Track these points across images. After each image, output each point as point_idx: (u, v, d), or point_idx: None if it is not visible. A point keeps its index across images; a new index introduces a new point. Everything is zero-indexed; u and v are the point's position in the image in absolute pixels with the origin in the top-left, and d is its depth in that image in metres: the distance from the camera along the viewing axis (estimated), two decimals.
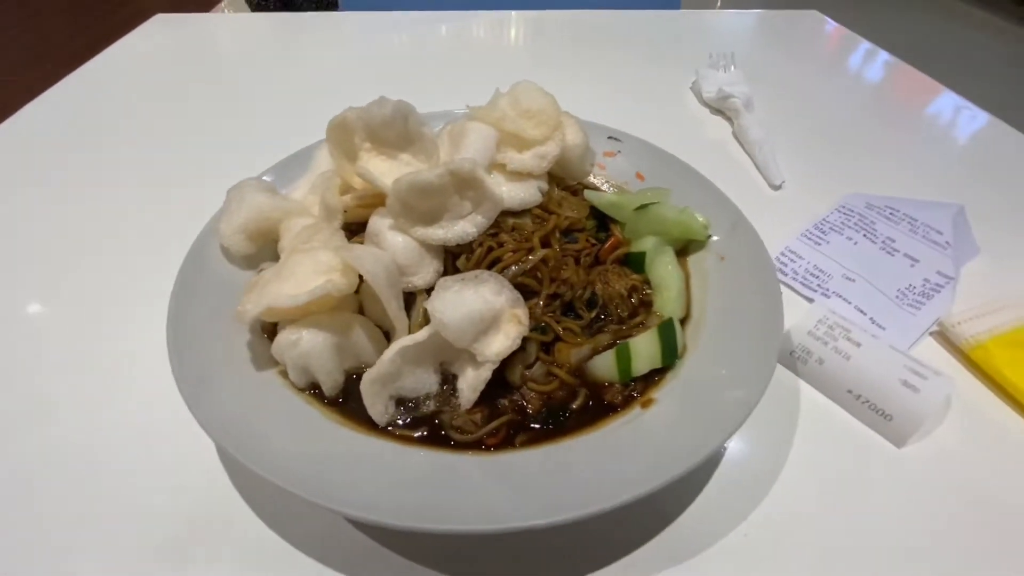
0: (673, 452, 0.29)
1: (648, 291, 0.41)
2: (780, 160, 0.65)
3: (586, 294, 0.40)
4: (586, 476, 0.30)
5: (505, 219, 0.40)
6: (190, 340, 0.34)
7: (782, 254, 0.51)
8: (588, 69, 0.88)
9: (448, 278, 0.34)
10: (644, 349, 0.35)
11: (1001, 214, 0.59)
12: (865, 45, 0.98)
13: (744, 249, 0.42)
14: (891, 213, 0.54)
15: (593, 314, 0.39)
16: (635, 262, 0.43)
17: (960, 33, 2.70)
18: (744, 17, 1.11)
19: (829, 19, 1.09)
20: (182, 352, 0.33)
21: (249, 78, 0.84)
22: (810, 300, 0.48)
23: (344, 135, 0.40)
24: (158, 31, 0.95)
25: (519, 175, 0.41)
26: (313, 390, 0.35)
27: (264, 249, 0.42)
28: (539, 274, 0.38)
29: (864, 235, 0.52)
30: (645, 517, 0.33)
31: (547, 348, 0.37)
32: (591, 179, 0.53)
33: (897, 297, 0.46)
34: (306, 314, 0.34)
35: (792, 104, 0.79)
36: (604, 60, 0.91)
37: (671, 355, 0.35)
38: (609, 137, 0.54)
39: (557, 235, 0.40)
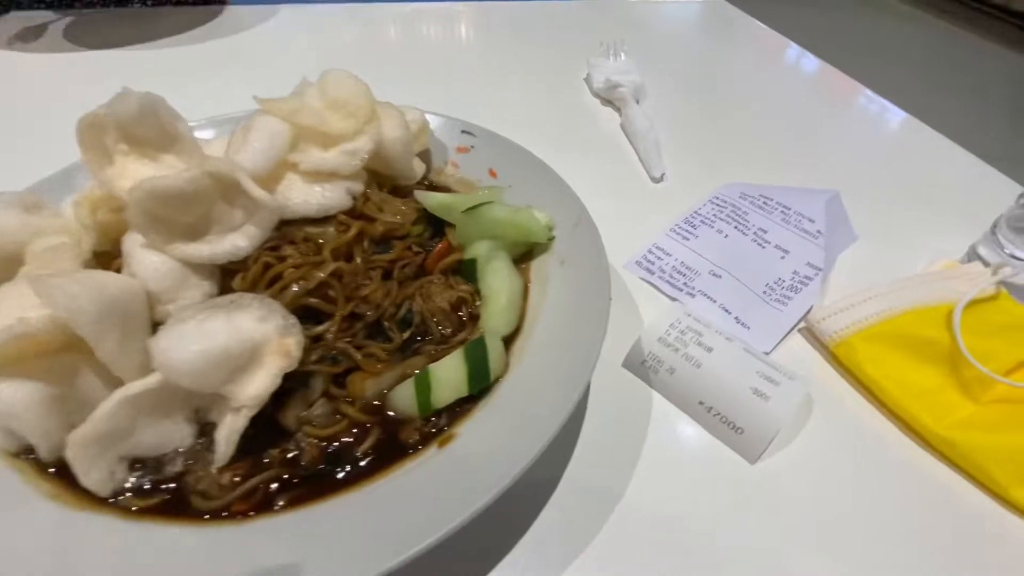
0: (457, 498, 0.24)
1: (478, 304, 0.36)
2: (666, 152, 0.62)
3: (401, 312, 0.34)
4: (357, 538, 0.24)
5: (300, 228, 0.34)
6: None
7: (649, 251, 0.47)
8: (479, 61, 0.83)
9: (188, 306, 0.28)
10: (447, 376, 0.30)
11: (881, 198, 0.57)
12: (761, 29, 0.98)
13: (583, 250, 0.37)
14: (765, 203, 0.51)
15: (407, 334, 0.33)
16: (468, 271, 0.37)
17: (860, 17, 2.86)
18: (643, 4, 1.09)
19: (729, 3, 1.09)
20: None
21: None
22: (675, 300, 0.44)
23: (96, 135, 0.33)
24: None
25: (321, 176, 0.36)
26: (29, 453, 0.28)
27: (8, 275, 0.35)
28: (332, 292, 0.32)
29: (736, 227, 0.49)
30: (458, 558, 0.28)
31: (340, 380, 0.31)
32: (441, 179, 0.47)
33: (764, 293, 0.43)
34: (19, 356, 0.27)
35: (684, 93, 0.76)
36: (497, 51, 0.86)
37: (481, 379, 0.30)
38: (463, 131, 0.49)
39: (365, 244, 0.35)
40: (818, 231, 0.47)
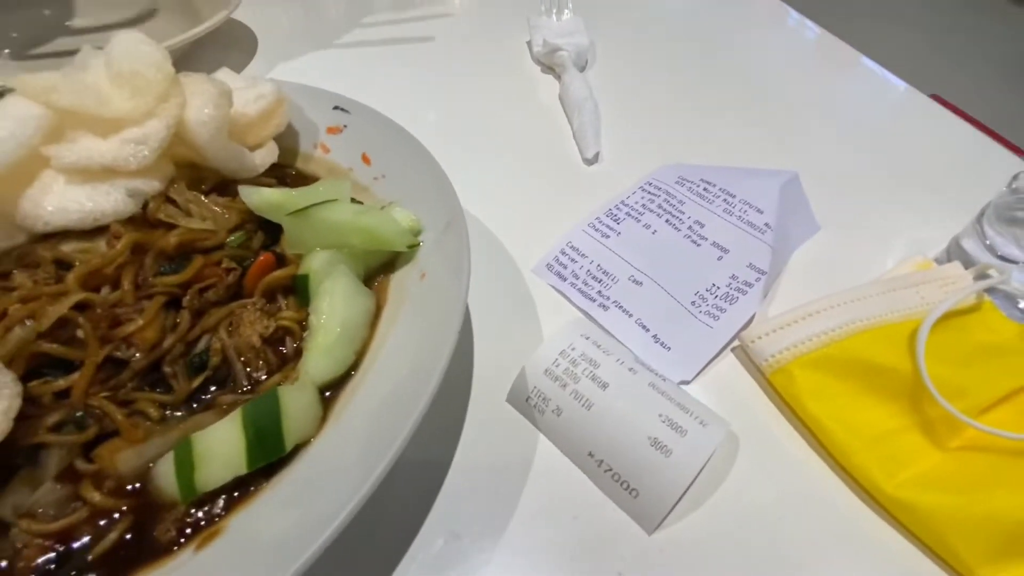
0: None
1: (307, 335, 0.28)
2: (608, 128, 0.53)
3: (198, 349, 0.26)
4: None
5: (55, 245, 0.26)
6: None
7: (563, 252, 0.39)
8: (404, 23, 0.72)
9: None
10: (219, 447, 0.22)
11: (856, 177, 0.48)
12: None
13: (447, 261, 0.29)
14: (705, 189, 0.42)
15: (198, 382, 0.26)
16: (301, 290, 0.29)
17: None
18: None
19: None
20: None
21: None
22: (588, 314, 0.36)
23: None
24: None
25: (93, 174, 0.27)
26: None
27: None
28: (80, 333, 0.24)
29: (667, 220, 0.40)
30: None
31: (89, 449, 0.24)
32: (310, 166, 0.39)
33: (693, 304, 0.35)
34: None
35: (638, 57, 0.66)
36: (426, 8, 0.75)
37: (268, 451, 0.23)
38: (335, 107, 0.40)
39: (147, 262, 0.27)
40: (766, 224, 0.39)
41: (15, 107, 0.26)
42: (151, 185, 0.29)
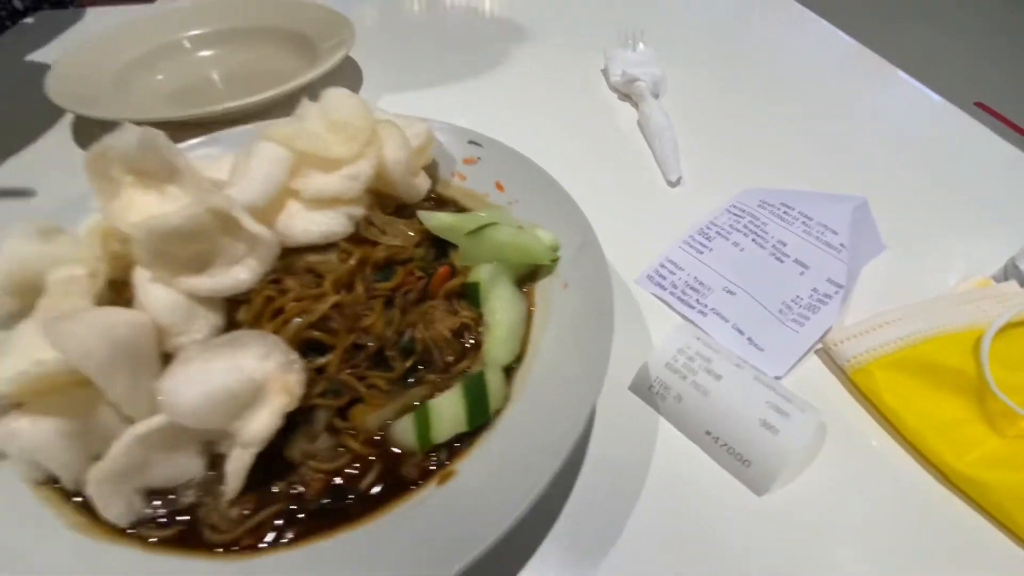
0: (461, 538, 0.25)
1: (481, 330, 0.36)
2: (685, 153, 0.59)
3: (403, 339, 0.34)
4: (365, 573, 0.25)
5: (302, 257, 0.34)
6: None
7: (661, 265, 0.46)
8: (490, 53, 0.80)
9: (194, 346, 0.28)
10: (446, 411, 0.30)
11: (916, 201, 0.54)
12: (796, 11, 0.91)
13: (588, 274, 0.36)
14: (785, 212, 0.48)
15: (409, 363, 0.34)
16: (472, 295, 0.37)
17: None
18: None
19: None
20: None
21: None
22: (687, 319, 0.43)
23: (103, 166, 0.34)
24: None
25: (323, 202, 0.35)
26: (54, 482, 0.29)
27: (33, 302, 0.36)
28: (333, 324, 0.32)
29: (753, 239, 0.47)
30: None
31: (343, 412, 0.32)
32: (448, 192, 0.47)
33: (780, 312, 0.42)
34: (37, 395, 0.29)
35: (708, 87, 0.72)
36: (503, 39, 0.83)
37: (480, 415, 0.30)
38: (470, 142, 0.48)
39: (367, 271, 0.35)
40: (841, 244, 0.45)
41: (269, 151, 0.35)
42: (359, 211, 0.37)
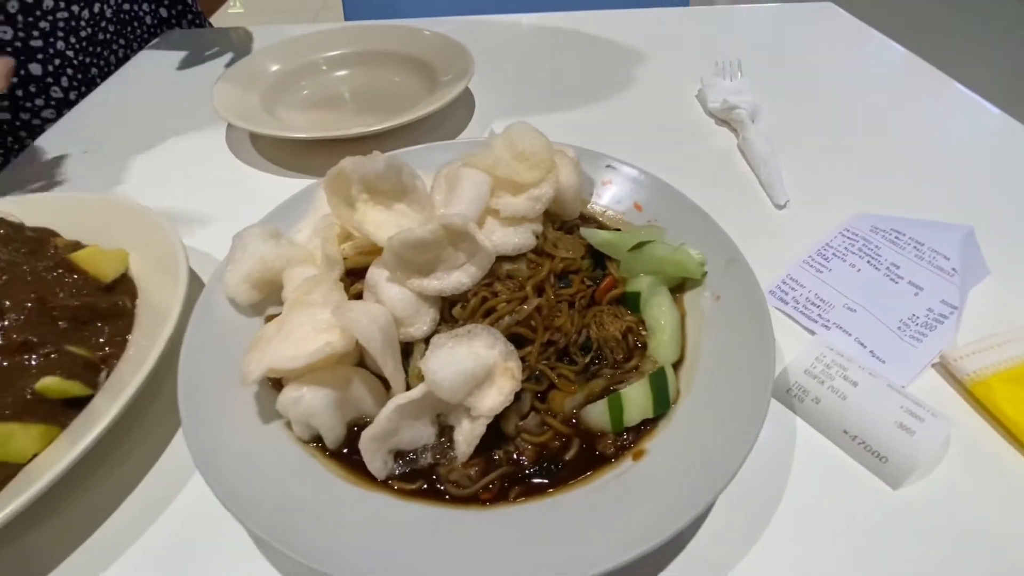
0: (668, 505, 0.30)
1: (643, 333, 0.42)
2: (786, 176, 0.64)
3: (580, 338, 0.40)
4: (585, 532, 0.31)
5: (500, 265, 0.41)
6: (199, 393, 0.36)
7: (783, 282, 0.51)
8: (583, 76, 0.86)
9: (441, 335, 0.35)
10: (636, 399, 0.36)
11: (1018, 230, 0.57)
12: (883, 43, 0.95)
13: (739, 288, 0.42)
14: (896, 237, 0.53)
15: (588, 359, 0.40)
16: (630, 302, 0.43)
17: (991, 27, 2.51)
18: (752, 13, 1.08)
19: (844, 12, 1.05)
20: (192, 408, 0.35)
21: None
22: (810, 331, 0.47)
23: (342, 184, 0.41)
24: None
25: (513, 220, 0.42)
26: (317, 442, 0.36)
27: (271, 295, 0.44)
28: (533, 322, 0.38)
29: (868, 261, 0.51)
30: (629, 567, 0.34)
31: (541, 396, 0.38)
32: (591, 207, 0.53)
33: (899, 328, 0.46)
34: (309, 370, 0.36)
35: (802, 112, 0.77)
36: (602, 66, 0.89)
37: (663, 404, 0.36)
38: (607, 165, 0.54)
39: (552, 280, 0.41)
40: (953, 269, 0.49)
41: (476, 176, 0.41)
42: (538, 227, 0.43)
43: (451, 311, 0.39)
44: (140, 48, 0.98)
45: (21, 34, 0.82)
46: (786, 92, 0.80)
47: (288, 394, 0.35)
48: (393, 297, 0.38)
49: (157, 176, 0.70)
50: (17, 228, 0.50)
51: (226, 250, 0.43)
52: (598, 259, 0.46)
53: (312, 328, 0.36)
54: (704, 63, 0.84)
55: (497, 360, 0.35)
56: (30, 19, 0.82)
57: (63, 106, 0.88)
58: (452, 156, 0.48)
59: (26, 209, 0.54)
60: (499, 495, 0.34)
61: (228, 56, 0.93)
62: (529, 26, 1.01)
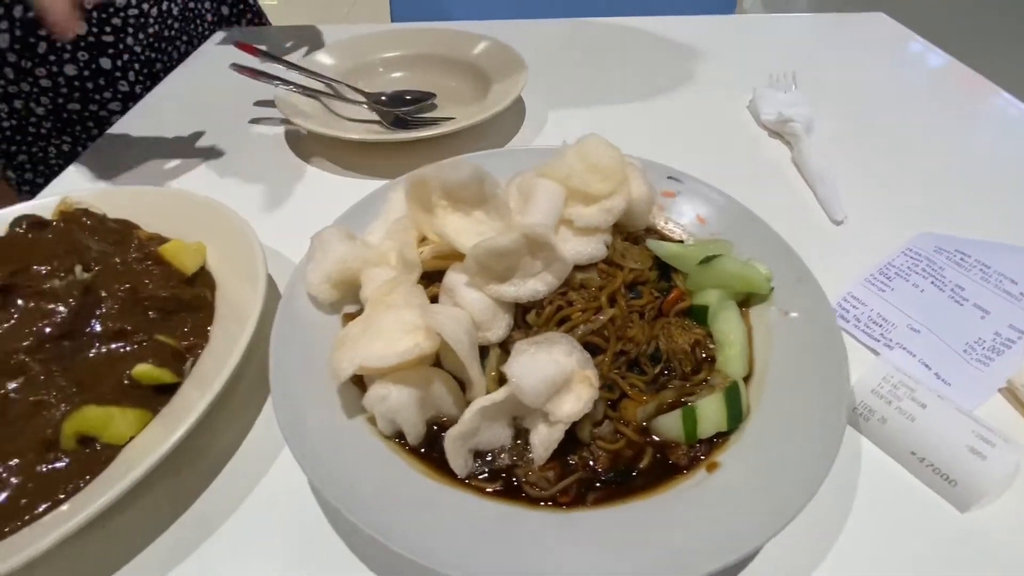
0: (748, 520, 0.31)
1: (711, 346, 0.42)
2: (842, 191, 0.64)
3: (650, 349, 0.41)
4: (663, 540, 0.32)
5: (573, 274, 0.42)
6: (291, 387, 0.38)
7: (844, 300, 0.51)
8: (632, 83, 0.87)
9: (523, 341, 0.36)
10: (710, 413, 0.36)
11: None
12: (938, 56, 0.93)
13: (808, 305, 0.42)
14: (961, 259, 0.52)
15: (657, 370, 0.40)
16: (697, 315, 0.44)
17: None
18: (801, 22, 1.07)
19: (897, 23, 1.04)
20: (287, 402, 0.37)
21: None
22: (872, 350, 0.47)
23: (423, 191, 0.43)
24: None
25: (586, 230, 0.43)
26: (399, 438, 0.38)
27: (346, 294, 0.45)
28: (606, 332, 0.39)
29: (932, 282, 0.51)
30: None
31: (613, 405, 0.39)
32: (655, 220, 0.53)
33: (965, 351, 0.46)
34: (395, 369, 0.37)
35: (856, 126, 0.76)
36: (651, 73, 0.89)
37: (736, 419, 0.37)
38: (669, 177, 0.55)
39: (622, 290, 0.42)
40: (1021, 294, 0.49)
41: (550, 187, 0.43)
42: (608, 237, 0.44)
43: (524, 317, 0.41)
44: (200, 44, 1.01)
45: (95, 30, 0.85)
46: (840, 104, 0.79)
47: (376, 391, 0.36)
48: (472, 302, 0.39)
49: (219, 171, 0.72)
50: (100, 219, 0.53)
51: (287, 245, 0.45)
52: (663, 271, 0.46)
53: (398, 329, 0.37)
54: (754, 73, 0.84)
55: (575, 367, 0.36)
56: (103, 15, 0.85)
57: (129, 99, 0.92)
58: (516, 164, 0.49)
59: (104, 200, 0.56)
60: (576, 499, 0.35)
61: (286, 54, 0.96)
62: (578, 31, 1.02)
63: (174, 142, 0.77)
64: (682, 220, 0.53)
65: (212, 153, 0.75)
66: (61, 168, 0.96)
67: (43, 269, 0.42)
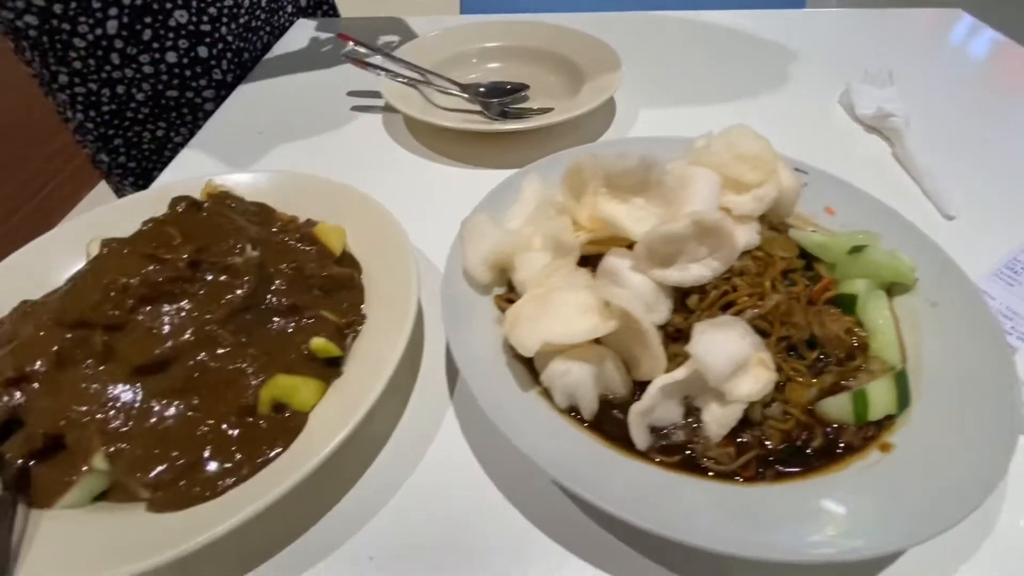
0: (933, 501, 0.33)
1: (863, 334, 0.43)
2: (952, 186, 0.64)
3: (805, 335, 0.42)
4: (853, 512, 0.33)
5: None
6: (470, 365, 0.40)
7: None
8: (717, 78, 0.87)
9: (701, 323, 0.38)
10: (880, 396, 0.38)
11: None
12: (1020, 51, 0.92)
13: (956, 295, 0.43)
14: None
15: (815, 355, 0.42)
16: (844, 304, 0.45)
17: None
18: (879, 17, 1.06)
19: (975, 19, 1.03)
20: (474, 374, 0.39)
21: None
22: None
23: (578, 179, 0.44)
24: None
25: (740, 218, 0.44)
26: (572, 412, 0.40)
27: (497, 277, 0.47)
28: (770, 317, 0.41)
29: None
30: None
31: (778, 387, 0.40)
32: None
33: None
34: (572, 347, 0.39)
35: (951, 121, 0.76)
36: (735, 68, 0.90)
37: (904, 402, 0.38)
38: (795, 169, 0.55)
39: (779, 277, 0.43)
40: None
41: (708, 175, 0.44)
42: (758, 226, 0.45)
43: (684, 301, 0.42)
44: (281, 35, 1.04)
45: (194, 19, 0.88)
46: (932, 99, 0.79)
47: (557, 366, 0.38)
48: (637, 284, 0.41)
49: (322, 156, 0.75)
50: (241, 201, 0.55)
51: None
52: (805, 261, 0.47)
53: (575, 308, 0.39)
54: (839, 68, 0.84)
55: (750, 350, 0.37)
56: (202, 4, 0.88)
57: (220, 87, 0.94)
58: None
59: (239, 183, 0.59)
60: (756, 475, 0.36)
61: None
62: (655, 25, 1.02)
63: (273, 129, 0.80)
64: (808, 211, 0.54)
65: (313, 140, 0.78)
66: (153, 152, 1.00)
67: (222, 246, 0.44)
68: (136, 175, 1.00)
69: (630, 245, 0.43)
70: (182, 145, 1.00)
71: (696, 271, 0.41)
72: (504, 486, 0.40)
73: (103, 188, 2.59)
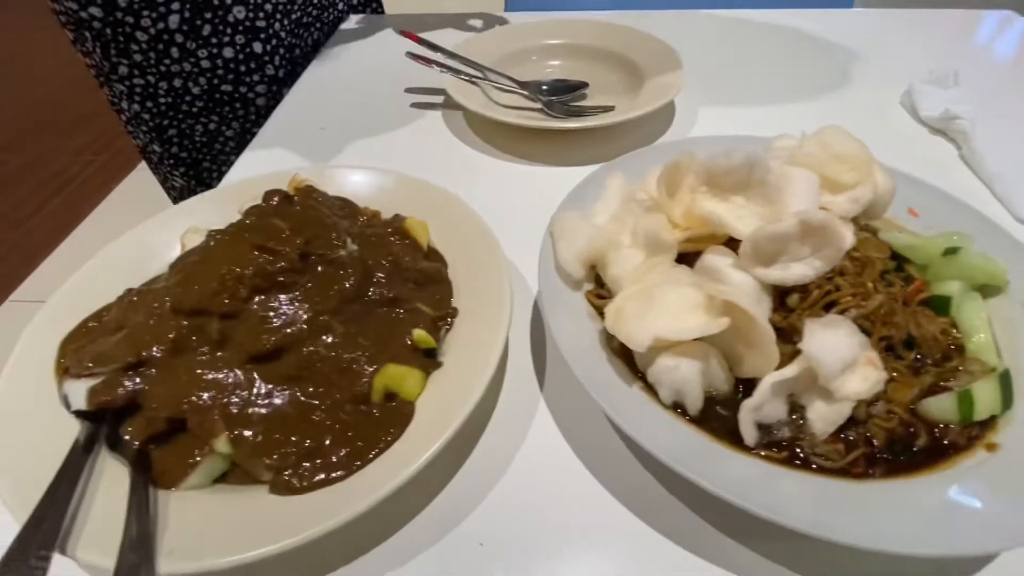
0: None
1: (957, 335, 0.44)
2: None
3: (904, 335, 0.43)
4: (963, 511, 0.34)
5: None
6: (577, 359, 0.41)
7: None
8: (777, 78, 0.87)
9: (812, 321, 0.38)
10: (986, 396, 0.38)
11: None
12: None
13: None
14: None
15: (913, 355, 0.42)
16: (937, 305, 0.45)
17: None
18: (932, 17, 1.05)
19: None
20: (584, 370, 0.40)
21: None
22: None
23: (675, 177, 0.45)
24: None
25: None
26: (676, 408, 0.41)
27: (588, 272, 0.48)
28: (872, 317, 0.41)
29: None
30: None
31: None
32: None
33: None
34: (686, 345, 0.40)
35: (1014, 123, 0.76)
36: (794, 68, 0.89)
37: (1008, 402, 0.38)
38: None
39: (878, 278, 0.44)
40: None
41: (807, 175, 0.44)
42: (853, 227, 0.46)
43: (783, 300, 0.43)
44: (331, 31, 1.05)
45: (251, 14, 0.89)
46: (998, 102, 0.79)
47: (665, 362, 0.39)
48: (740, 282, 0.41)
49: (385, 152, 0.76)
50: (326, 196, 0.56)
51: None
52: (896, 262, 0.48)
53: (680, 305, 0.40)
54: (900, 67, 0.84)
55: (857, 349, 0.38)
56: (258, 0, 0.89)
57: (273, 83, 0.96)
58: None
59: (321, 178, 0.60)
60: (864, 472, 0.37)
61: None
62: (712, 24, 1.02)
63: (334, 125, 0.81)
64: (891, 213, 0.54)
65: (375, 136, 0.79)
66: (204, 145, 1.01)
67: (326, 239, 0.45)
68: (187, 165, 1.02)
69: (726, 243, 0.44)
70: (233, 139, 1.01)
71: (798, 270, 0.41)
72: (604, 479, 0.41)
73: (132, 181, 2.64)
